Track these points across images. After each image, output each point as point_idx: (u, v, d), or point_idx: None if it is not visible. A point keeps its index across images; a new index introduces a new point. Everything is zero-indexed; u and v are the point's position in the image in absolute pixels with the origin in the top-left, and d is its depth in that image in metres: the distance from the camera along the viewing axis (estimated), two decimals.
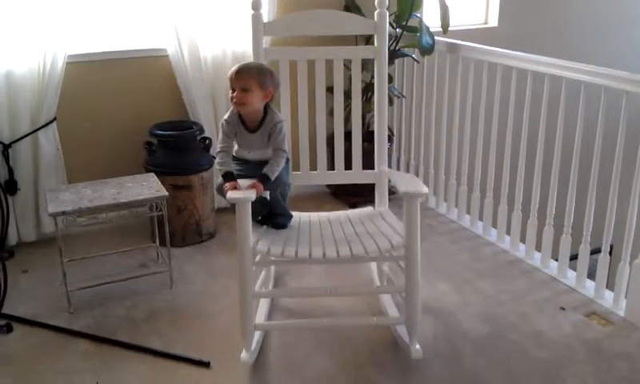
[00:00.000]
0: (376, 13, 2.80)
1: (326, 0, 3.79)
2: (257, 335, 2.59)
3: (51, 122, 3.40)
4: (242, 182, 2.47)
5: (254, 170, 2.54)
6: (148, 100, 3.73)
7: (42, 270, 3.24)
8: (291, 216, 2.74)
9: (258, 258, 2.58)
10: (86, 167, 3.55)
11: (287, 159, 2.68)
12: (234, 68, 2.53)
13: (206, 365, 2.52)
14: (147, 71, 3.71)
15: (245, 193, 2.37)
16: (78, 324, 2.79)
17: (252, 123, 2.57)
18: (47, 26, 3.23)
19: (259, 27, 2.79)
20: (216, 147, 2.64)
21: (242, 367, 2.48)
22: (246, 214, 2.35)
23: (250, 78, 2.49)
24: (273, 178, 2.50)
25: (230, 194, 2.37)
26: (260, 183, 2.45)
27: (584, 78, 2.90)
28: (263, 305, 2.86)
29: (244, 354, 2.47)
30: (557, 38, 4.89)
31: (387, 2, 2.81)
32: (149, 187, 3.05)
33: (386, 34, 2.83)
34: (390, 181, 2.86)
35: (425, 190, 2.43)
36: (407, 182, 2.53)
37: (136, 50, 3.69)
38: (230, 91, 2.52)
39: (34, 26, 3.20)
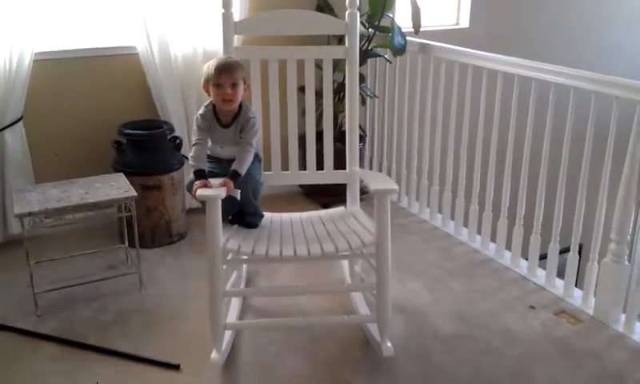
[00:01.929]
0: (347, 13, 2.81)
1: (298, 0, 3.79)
2: (227, 335, 2.57)
3: (18, 120, 3.33)
4: (213, 181, 2.45)
5: (226, 168, 2.52)
6: (117, 98, 3.68)
7: (8, 272, 3.17)
8: (262, 215, 2.72)
9: (229, 256, 2.56)
10: (54, 167, 3.49)
11: (259, 157, 2.67)
12: (218, 65, 2.50)
13: (176, 367, 2.49)
14: (116, 69, 3.66)
15: (215, 190, 2.36)
16: (45, 327, 2.74)
17: (226, 118, 2.57)
18: (14, 23, 3.16)
19: (230, 26, 2.77)
20: (190, 142, 2.63)
21: (212, 369, 2.46)
22: (216, 212, 2.33)
23: (237, 72, 2.51)
24: (243, 173, 2.49)
25: (200, 192, 2.35)
26: (230, 180, 2.43)
27: (553, 78, 2.93)
28: (234, 305, 2.84)
29: (214, 355, 2.45)
30: (527, 39, 4.95)
31: (358, 3, 2.82)
32: (117, 187, 3.00)
33: (357, 35, 2.84)
34: (362, 181, 2.86)
35: (395, 187, 2.49)
36: (378, 181, 2.56)
37: (105, 48, 3.63)
38: (214, 87, 2.50)
39: (0, 21, 3.14)
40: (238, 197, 2.55)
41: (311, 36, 2.95)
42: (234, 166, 2.49)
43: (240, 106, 2.57)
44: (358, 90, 2.88)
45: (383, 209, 2.39)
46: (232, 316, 2.75)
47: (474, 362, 2.56)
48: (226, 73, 2.49)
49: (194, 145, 2.56)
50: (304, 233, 2.60)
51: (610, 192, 2.81)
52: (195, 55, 3.68)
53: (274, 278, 3.19)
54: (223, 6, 2.74)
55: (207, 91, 2.55)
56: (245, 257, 2.60)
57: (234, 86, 2.50)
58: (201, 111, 2.59)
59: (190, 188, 2.49)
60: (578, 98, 2.89)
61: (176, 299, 2.99)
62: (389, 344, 2.51)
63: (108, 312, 2.87)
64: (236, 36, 2.84)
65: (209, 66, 2.53)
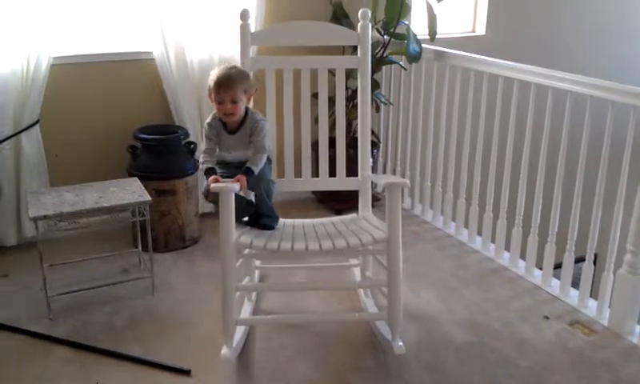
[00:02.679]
0: (359, 25, 2.86)
1: (314, 7, 3.81)
2: (239, 333, 2.58)
3: (34, 124, 3.36)
4: (225, 180, 2.46)
5: (235, 171, 2.53)
6: (133, 103, 3.70)
7: (22, 274, 3.19)
8: (278, 218, 2.73)
9: (245, 251, 2.58)
10: (70, 171, 3.52)
11: (269, 158, 2.69)
12: (217, 79, 2.51)
13: (187, 373, 2.49)
14: (133, 74, 3.69)
15: (228, 184, 2.38)
16: (57, 330, 2.75)
17: (233, 125, 2.60)
18: (32, 27, 3.20)
19: (247, 37, 2.82)
20: (201, 150, 2.66)
21: (223, 375, 2.46)
22: (230, 205, 2.35)
23: (237, 88, 2.51)
24: (256, 172, 2.51)
25: (214, 185, 2.37)
26: (244, 176, 2.45)
27: (570, 87, 2.91)
28: (247, 307, 2.86)
29: (225, 350, 2.45)
30: (544, 47, 4.91)
31: (370, 14, 2.87)
32: (132, 192, 3.02)
33: (369, 45, 2.88)
34: (373, 186, 2.87)
35: (406, 181, 2.52)
36: (388, 178, 2.59)
37: (122, 53, 3.66)
38: (215, 104, 2.53)
39: (18, 26, 3.17)
40: (253, 199, 2.56)
41: (325, 46, 2.97)
42: (247, 164, 2.51)
43: (246, 111, 2.59)
44: (369, 97, 2.90)
45: (394, 203, 2.41)
46: (245, 314, 2.78)
47: (487, 372, 2.54)
48: (224, 90, 2.50)
49: (203, 152, 2.61)
50: (316, 232, 2.63)
51: (626, 202, 2.78)
52: (211, 61, 3.69)
53: (285, 279, 3.20)
54: (241, 18, 2.80)
55: (211, 101, 2.57)
56: (256, 251, 2.61)
57: (234, 102, 2.51)
58: (209, 120, 2.63)
59: (205, 194, 2.51)
60: (595, 106, 2.86)
61: (188, 304, 3.00)
62: (400, 342, 2.51)
63: (120, 316, 2.88)
64: (252, 46, 2.87)
65: (211, 77, 2.54)
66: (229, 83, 2.50)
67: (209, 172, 2.52)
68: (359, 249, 2.51)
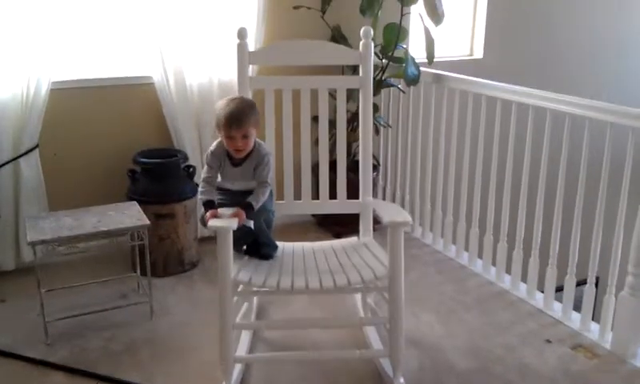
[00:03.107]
0: (361, 43, 2.81)
1: (313, 30, 3.82)
2: (237, 368, 2.53)
3: (34, 148, 3.36)
4: (223, 210, 2.43)
5: (237, 198, 2.51)
6: (132, 127, 3.71)
7: (19, 299, 3.17)
8: (276, 247, 2.69)
9: (239, 288, 2.52)
10: (68, 195, 3.50)
11: (270, 188, 2.65)
12: (228, 116, 2.42)
13: None
14: (132, 98, 3.70)
15: (226, 221, 2.33)
16: (55, 356, 2.72)
17: (239, 158, 2.54)
18: (31, 52, 3.21)
19: (244, 57, 2.78)
20: (200, 176, 2.61)
21: None
22: (227, 243, 2.31)
23: (248, 122, 2.44)
24: (256, 208, 2.47)
25: (212, 222, 2.32)
26: (243, 211, 2.41)
27: (568, 109, 2.91)
28: (245, 336, 2.81)
29: None
30: (542, 69, 4.95)
31: (372, 33, 2.82)
32: (130, 216, 3.01)
33: (371, 65, 2.84)
34: (374, 211, 2.83)
35: (409, 219, 2.42)
36: (391, 212, 2.50)
37: (121, 78, 3.67)
38: (225, 138, 2.46)
39: (18, 51, 3.18)
40: (252, 226, 2.53)
41: (325, 66, 2.96)
42: (249, 199, 2.46)
43: (253, 144, 2.53)
44: (371, 119, 2.87)
45: (397, 242, 2.35)
46: (242, 348, 2.72)
47: None
48: (236, 126, 2.42)
49: (202, 181, 2.54)
50: (316, 264, 2.57)
51: (626, 223, 2.77)
52: (211, 85, 3.71)
53: (286, 308, 3.15)
54: (238, 37, 2.76)
55: (220, 134, 2.50)
56: (255, 289, 2.56)
57: (246, 137, 2.45)
58: (212, 147, 2.56)
59: (202, 221, 2.47)
60: (593, 128, 2.86)
61: (187, 329, 2.97)
62: (402, 380, 2.46)
63: (119, 341, 2.85)
64: (250, 66, 2.84)
65: (220, 111, 2.46)
66: (239, 120, 2.42)
67: (207, 204, 2.47)
68: (360, 286, 2.46)
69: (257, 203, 2.47)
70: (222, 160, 2.55)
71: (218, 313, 2.35)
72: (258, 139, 2.57)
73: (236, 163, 2.55)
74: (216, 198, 2.53)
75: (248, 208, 2.43)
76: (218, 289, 2.34)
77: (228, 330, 2.37)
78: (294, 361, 2.72)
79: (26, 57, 3.20)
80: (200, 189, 2.55)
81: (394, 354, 2.46)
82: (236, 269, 2.41)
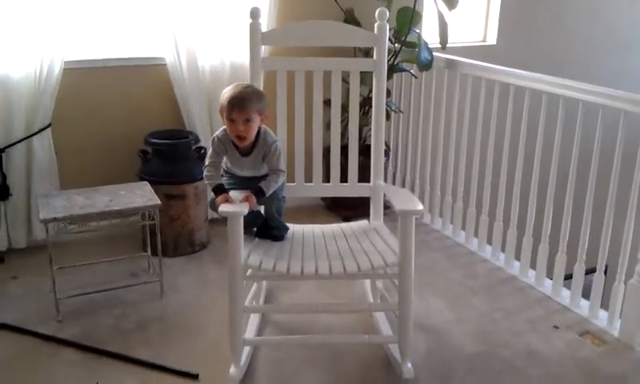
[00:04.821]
0: (376, 25, 2.78)
1: (325, 12, 3.81)
2: (246, 350, 2.55)
3: (46, 127, 3.38)
4: (234, 194, 2.43)
5: (246, 183, 2.51)
6: (144, 108, 3.72)
7: (31, 276, 3.20)
8: (287, 228, 2.70)
9: (249, 272, 2.53)
10: (80, 174, 3.53)
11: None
12: (233, 98, 2.38)
13: (195, 377, 2.48)
14: (145, 79, 3.70)
15: (237, 206, 2.33)
16: (65, 332, 2.75)
17: (245, 147, 2.50)
18: (45, 32, 3.21)
19: (257, 36, 2.75)
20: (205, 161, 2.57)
21: (230, 381, 2.45)
22: (238, 228, 2.31)
23: (251, 107, 2.39)
24: (267, 194, 2.46)
25: (223, 208, 2.31)
26: (253, 196, 2.40)
27: (582, 96, 2.90)
28: (254, 319, 2.82)
29: (232, 370, 2.43)
30: (555, 57, 4.91)
31: (387, 15, 2.78)
32: (142, 196, 3.03)
33: (386, 47, 2.80)
34: (385, 195, 2.83)
35: (420, 207, 2.40)
36: (403, 199, 2.48)
37: (134, 58, 3.68)
38: (227, 122, 2.42)
39: (31, 30, 3.19)
40: (262, 211, 2.54)
41: (337, 49, 2.95)
42: (261, 184, 2.45)
43: (258, 133, 2.48)
44: (384, 103, 2.86)
45: (407, 230, 2.33)
46: (251, 330, 2.73)
47: (496, 382, 2.52)
48: (238, 108, 2.37)
49: (206, 166, 2.51)
50: (326, 249, 2.56)
51: (637, 212, 2.76)
52: (223, 67, 3.71)
53: (294, 292, 3.17)
54: (251, 16, 2.73)
55: (223, 119, 2.47)
56: (265, 273, 2.55)
57: (248, 121, 2.39)
58: (218, 133, 2.51)
59: (213, 206, 2.46)
60: (606, 116, 2.84)
61: (197, 309, 2.99)
62: (409, 365, 2.46)
63: (129, 319, 2.88)
64: (263, 47, 2.84)
65: (224, 94, 2.42)
66: (242, 103, 2.37)
67: (217, 189, 2.45)
68: (370, 272, 2.46)
69: (268, 190, 2.45)
70: (228, 147, 2.50)
71: (228, 296, 2.36)
72: (264, 127, 2.52)
73: (244, 153, 2.51)
74: (225, 181, 2.52)
75: (259, 193, 2.42)
76: (227, 272, 2.35)
77: (238, 314, 2.38)
78: (302, 344, 2.74)
79: (40, 36, 3.21)
80: (205, 173, 2.51)
81: (403, 340, 2.46)
82: (246, 252, 2.41)
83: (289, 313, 3.00)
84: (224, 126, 2.49)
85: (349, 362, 2.63)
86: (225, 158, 2.57)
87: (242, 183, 2.53)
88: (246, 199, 2.38)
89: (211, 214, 3.70)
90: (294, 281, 3.18)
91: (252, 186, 2.46)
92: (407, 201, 2.47)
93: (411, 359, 2.48)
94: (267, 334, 2.83)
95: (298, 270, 2.36)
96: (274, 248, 2.56)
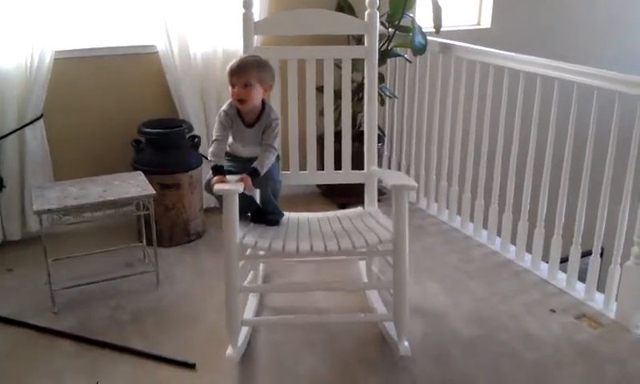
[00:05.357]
0: (366, 13, 2.80)
1: (319, 0, 3.78)
2: (243, 332, 2.56)
3: (38, 118, 3.36)
4: (231, 177, 2.44)
5: (245, 167, 2.51)
6: (137, 97, 3.69)
7: (26, 269, 3.19)
8: (282, 214, 2.71)
9: (247, 252, 2.55)
10: (73, 165, 3.51)
11: (277, 157, 2.65)
12: (233, 64, 2.49)
13: (192, 366, 2.48)
14: (136, 68, 3.67)
15: (232, 185, 2.35)
16: (61, 324, 2.74)
17: (250, 117, 2.55)
18: (35, 22, 3.18)
19: (250, 26, 2.77)
20: (210, 140, 2.61)
21: (228, 369, 2.45)
22: (233, 207, 2.32)
23: (250, 72, 2.47)
24: (262, 173, 2.47)
25: (218, 186, 2.34)
26: (248, 177, 2.42)
27: (576, 78, 2.88)
28: (251, 303, 2.84)
29: (230, 351, 2.43)
30: (549, 40, 4.88)
31: (378, 2, 2.80)
32: (136, 186, 3.01)
33: (376, 34, 2.82)
34: (379, 181, 2.83)
35: (413, 183, 2.46)
36: (396, 178, 2.54)
37: (125, 47, 3.64)
38: (230, 87, 2.49)
39: (21, 21, 3.16)
40: (257, 196, 2.54)
41: (330, 36, 2.94)
42: (254, 165, 2.47)
43: (264, 106, 2.55)
44: (376, 89, 2.86)
45: (401, 205, 2.37)
46: (249, 312, 2.75)
47: (493, 366, 2.53)
48: (237, 74, 2.47)
49: (214, 141, 2.55)
50: (321, 230, 2.59)
51: (633, 194, 2.76)
52: (215, 54, 3.68)
53: (290, 276, 3.18)
54: (244, 6, 2.75)
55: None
56: (261, 252, 2.59)
57: (247, 86, 2.46)
58: (225, 107, 2.57)
59: (208, 187, 2.48)
60: (601, 98, 2.83)
61: (193, 298, 2.99)
62: (405, 343, 2.48)
63: (125, 310, 2.87)
64: (256, 36, 2.83)
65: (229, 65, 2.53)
66: (241, 68, 2.47)
67: (216, 169, 2.47)
68: (364, 250, 2.47)
69: (262, 168, 2.47)
70: (234, 119, 2.56)
71: (224, 276, 2.37)
72: (269, 103, 2.59)
73: (248, 124, 2.55)
74: (225, 164, 2.54)
75: (254, 174, 2.44)
76: (223, 253, 2.35)
77: (234, 293, 2.38)
78: (299, 325, 2.75)
79: (30, 26, 3.18)
80: (211, 149, 2.54)
81: (399, 318, 2.48)
82: (242, 233, 2.43)
83: (285, 292, 3.04)
84: (230, 100, 2.55)
85: (346, 344, 2.64)
86: (230, 137, 2.59)
87: (241, 166, 2.53)
88: (242, 180, 2.40)
89: (207, 203, 3.70)
90: (290, 266, 3.19)
91: (249, 169, 2.48)
92: (400, 178, 2.53)
93: (407, 340, 2.49)
94: (264, 316, 2.85)
95: (294, 248, 2.39)
96: (269, 231, 2.58)
